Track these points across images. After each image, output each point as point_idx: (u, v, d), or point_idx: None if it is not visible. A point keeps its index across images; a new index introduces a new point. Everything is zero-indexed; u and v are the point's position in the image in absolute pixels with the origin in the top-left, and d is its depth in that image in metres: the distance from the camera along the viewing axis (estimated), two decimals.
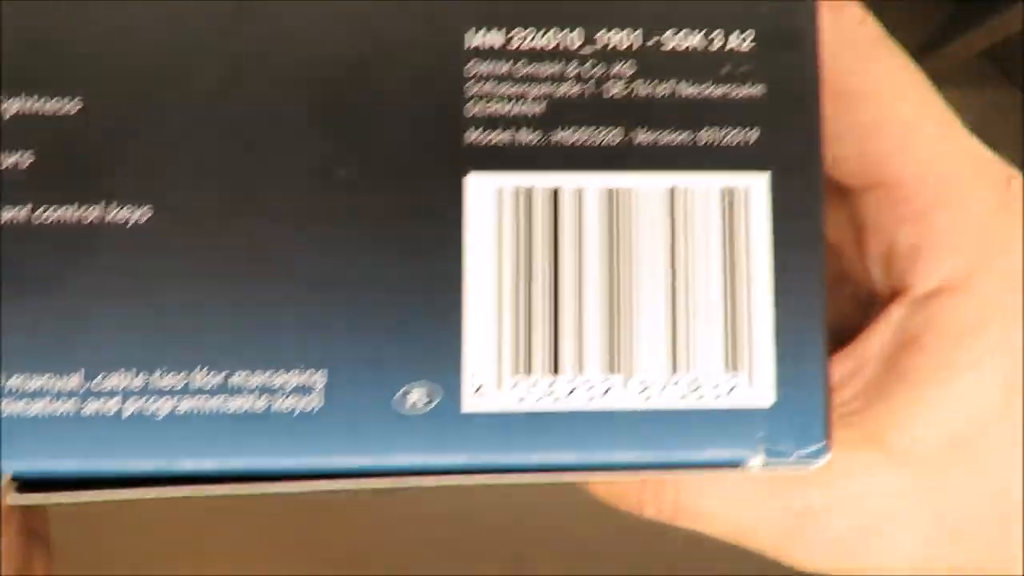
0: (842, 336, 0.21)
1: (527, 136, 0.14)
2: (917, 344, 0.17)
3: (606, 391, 0.14)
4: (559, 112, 0.14)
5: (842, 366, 0.18)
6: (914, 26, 0.58)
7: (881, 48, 0.17)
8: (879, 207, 0.17)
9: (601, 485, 0.17)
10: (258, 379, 0.14)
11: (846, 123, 0.17)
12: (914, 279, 0.17)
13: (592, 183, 0.14)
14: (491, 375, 0.14)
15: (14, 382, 0.14)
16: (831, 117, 0.17)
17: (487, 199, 0.14)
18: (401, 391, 0.14)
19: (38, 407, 0.14)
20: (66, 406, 0.14)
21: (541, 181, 0.14)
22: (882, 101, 0.17)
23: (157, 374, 0.14)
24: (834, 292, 0.21)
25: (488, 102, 0.14)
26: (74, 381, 0.14)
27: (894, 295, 0.18)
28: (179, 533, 0.48)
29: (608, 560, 0.49)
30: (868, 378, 0.17)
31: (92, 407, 0.14)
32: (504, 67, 0.14)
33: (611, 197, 0.14)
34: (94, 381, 0.14)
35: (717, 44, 0.15)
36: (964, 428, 0.17)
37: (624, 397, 0.14)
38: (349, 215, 0.14)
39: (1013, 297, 0.17)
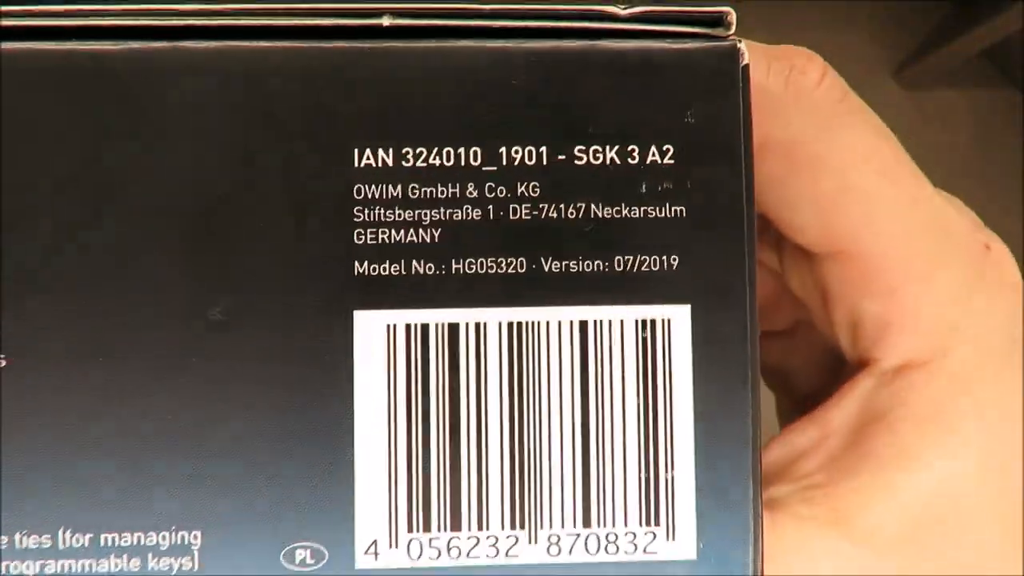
0: (807, 386, 0.20)
1: (422, 267, 0.13)
2: (884, 422, 0.16)
3: (511, 547, 0.13)
4: (457, 239, 0.13)
5: (805, 434, 0.17)
6: (914, 26, 0.56)
7: (842, 110, 0.16)
8: (843, 277, 0.17)
9: None
10: (128, 540, 0.13)
11: (805, 193, 0.16)
12: (881, 353, 0.16)
13: (494, 318, 0.13)
14: (384, 532, 0.13)
15: None
16: (789, 183, 0.16)
17: (378, 338, 0.13)
18: (286, 550, 0.13)
19: None
20: None
21: (438, 317, 0.13)
22: (842, 170, 0.16)
23: (17, 536, 0.13)
24: (800, 340, 0.20)
25: (378, 229, 0.13)
26: None
27: (861, 364, 0.17)
28: None
29: None
30: (832, 451, 0.16)
31: None
32: (395, 189, 0.13)
33: (516, 332, 0.13)
34: None
35: (634, 159, 0.13)
36: (933, 512, 0.16)
37: (531, 552, 0.13)
38: (223, 360, 0.13)
39: (988, 374, 0.16)
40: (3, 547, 0.13)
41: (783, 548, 0.15)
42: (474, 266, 0.13)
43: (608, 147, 0.13)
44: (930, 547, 0.16)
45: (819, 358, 0.20)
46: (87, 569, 0.13)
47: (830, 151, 0.16)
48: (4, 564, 0.13)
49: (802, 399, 0.20)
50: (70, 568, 0.13)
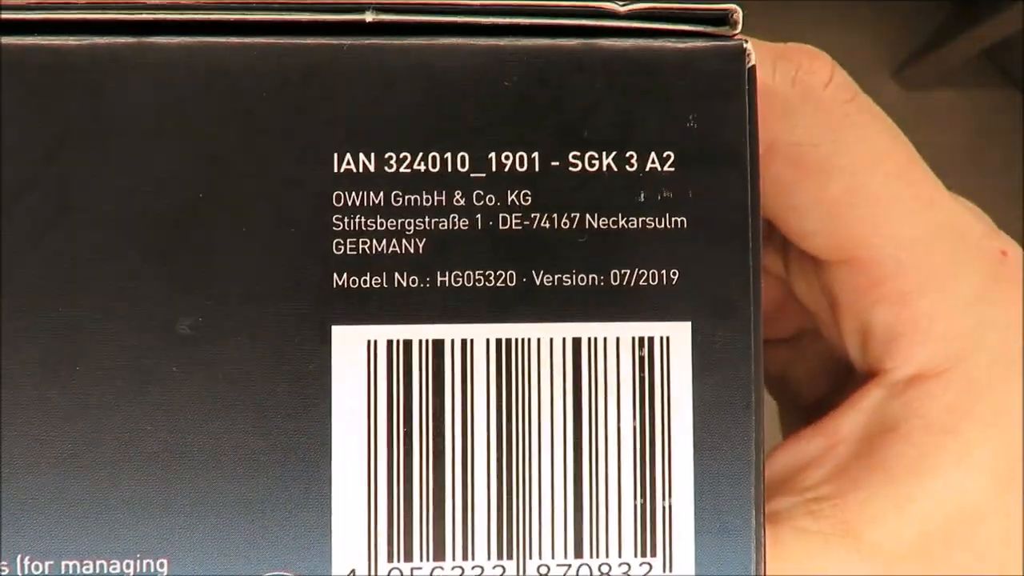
0: (811, 396, 0.20)
1: (405, 280, 0.12)
2: (895, 432, 0.16)
3: (501, 574, 0.12)
4: (443, 251, 0.12)
5: (811, 444, 0.16)
6: (914, 26, 0.56)
7: (851, 111, 0.15)
8: (853, 284, 0.16)
9: None
10: (90, 567, 0.12)
11: (813, 197, 0.15)
12: (893, 362, 0.16)
13: (482, 334, 0.12)
14: (363, 561, 0.12)
15: None
16: (796, 188, 0.15)
17: (358, 355, 0.12)
18: None
19: None
20: None
21: (422, 333, 0.12)
22: (853, 173, 0.15)
23: None
24: (805, 348, 0.19)
25: (359, 239, 0.12)
26: None
27: (871, 374, 0.16)
28: None
29: None
30: (840, 461, 0.16)
31: None
32: (377, 196, 0.12)
33: (505, 349, 0.12)
34: None
35: (632, 166, 0.12)
36: (943, 525, 0.15)
37: None
38: (192, 377, 0.12)
39: (1001, 383, 0.16)
40: None
41: (786, 562, 0.15)
42: (460, 279, 0.12)
43: (605, 153, 0.12)
44: (939, 561, 0.15)
45: (824, 367, 0.19)
46: None
47: (839, 153, 0.15)
48: None
49: (805, 408, 0.20)
50: None
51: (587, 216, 0.12)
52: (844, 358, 0.17)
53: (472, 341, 0.12)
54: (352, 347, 0.12)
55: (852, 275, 0.16)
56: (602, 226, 0.12)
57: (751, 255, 0.12)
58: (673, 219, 0.12)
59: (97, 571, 0.12)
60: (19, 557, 0.12)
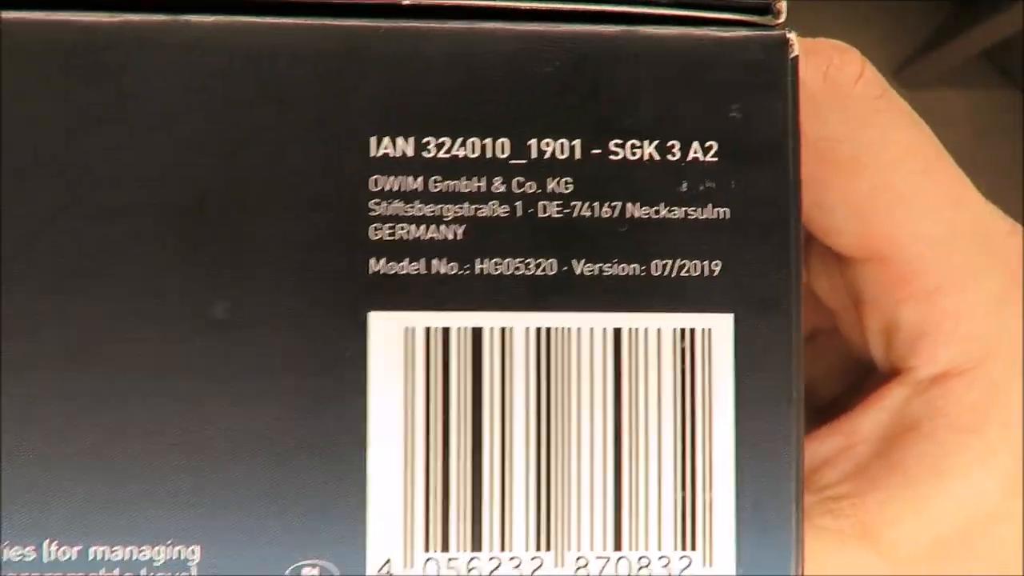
0: (827, 395, 0.20)
1: (443, 266, 0.12)
2: (918, 431, 0.15)
3: (535, 570, 0.12)
4: (482, 237, 0.12)
5: (830, 442, 0.16)
6: (914, 26, 0.56)
7: (880, 107, 0.15)
8: (879, 282, 0.16)
9: None
10: (119, 554, 0.12)
11: (841, 194, 0.15)
12: (917, 361, 0.16)
13: (521, 323, 0.12)
14: (399, 551, 0.12)
15: None
16: (824, 184, 0.15)
17: (394, 342, 0.12)
18: (291, 569, 0.12)
19: None
20: None
21: (460, 320, 0.12)
22: (881, 170, 0.15)
23: (2, 547, 0.12)
24: (822, 347, 0.19)
25: (396, 225, 0.12)
26: None
27: (893, 373, 0.16)
28: None
29: None
30: (859, 460, 0.16)
31: None
32: (415, 182, 0.12)
33: (544, 338, 0.12)
34: None
35: (674, 156, 0.12)
36: (961, 527, 0.15)
37: (559, 574, 0.12)
38: (225, 362, 0.12)
39: (1016, 387, 0.15)
40: None
41: (814, 565, 0.14)
42: (500, 267, 0.12)
43: (647, 142, 0.12)
44: (955, 563, 0.15)
45: (840, 366, 0.19)
46: None
47: (867, 150, 0.15)
48: None
49: (819, 408, 0.19)
50: None
51: (628, 205, 0.12)
52: (862, 357, 0.17)
53: (511, 330, 0.12)
54: (389, 334, 0.12)
55: (878, 272, 0.16)
56: (643, 216, 0.12)
57: (793, 249, 0.12)
58: (716, 210, 0.12)
59: (127, 557, 0.12)
60: (46, 542, 0.12)
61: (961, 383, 0.15)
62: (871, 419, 0.16)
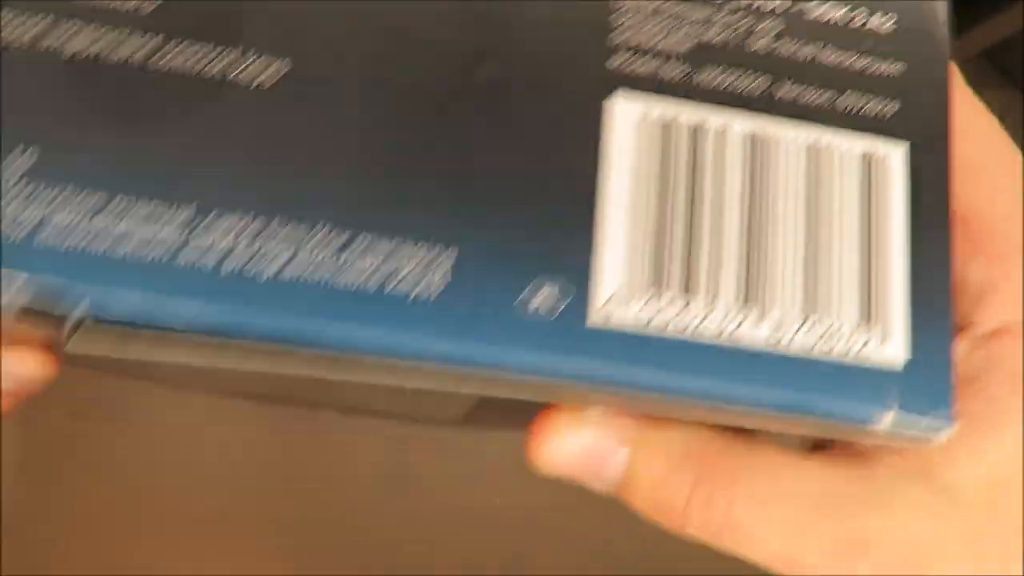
0: None
1: (673, 70, 0.14)
2: (975, 383, 0.16)
3: (738, 325, 0.14)
4: (705, 53, 0.14)
5: None
6: None
7: (962, 93, 0.17)
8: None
9: (642, 499, 0.17)
10: (383, 248, 0.13)
11: None
12: (979, 316, 0.17)
13: (736, 124, 0.14)
14: (623, 286, 0.14)
15: (121, 205, 0.12)
16: None
17: (629, 122, 0.14)
18: (529, 287, 0.13)
19: (143, 234, 0.12)
20: (173, 237, 0.12)
21: (684, 114, 0.14)
22: (965, 145, 0.17)
23: (275, 223, 0.13)
24: None
25: (635, 33, 0.14)
26: (185, 214, 0.13)
27: (958, 328, 0.17)
28: (180, 536, 0.46)
29: (608, 560, 0.49)
30: None
31: (199, 245, 0.13)
32: (652, 4, 0.14)
33: (753, 142, 0.14)
34: (207, 218, 0.13)
35: (859, 21, 0.15)
36: (1011, 473, 0.16)
37: (755, 335, 0.14)
38: (488, 112, 0.14)
39: None
40: (257, 230, 0.13)
41: (869, 487, 0.16)
42: (718, 79, 0.14)
43: (838, 6, 0.15)
44: (1001, 511, 0.16)
45: None
46: (328, 277, 0.13)
47: (958, 126, 0.17)
48: (251, 252, 0.13)
49: None
50: (317, 263, 0.13)
51: (822, 51, 0.15)
52: None
53: (726, 128, 0.14)
54: (625, 115, 0.14)
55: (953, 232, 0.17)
56: (834, 61, 0.15)
57: (947, 105, 0.15)
58: (893, 64, 0.15)
59: (390, 251, 0.13)
60: (320, 225, 0.13)
61: (1016, 339, 0.16)
62: None
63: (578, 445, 0.16)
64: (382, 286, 0.13)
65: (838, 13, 0.15)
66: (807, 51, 0.15)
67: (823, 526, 0.16)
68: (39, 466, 0.46)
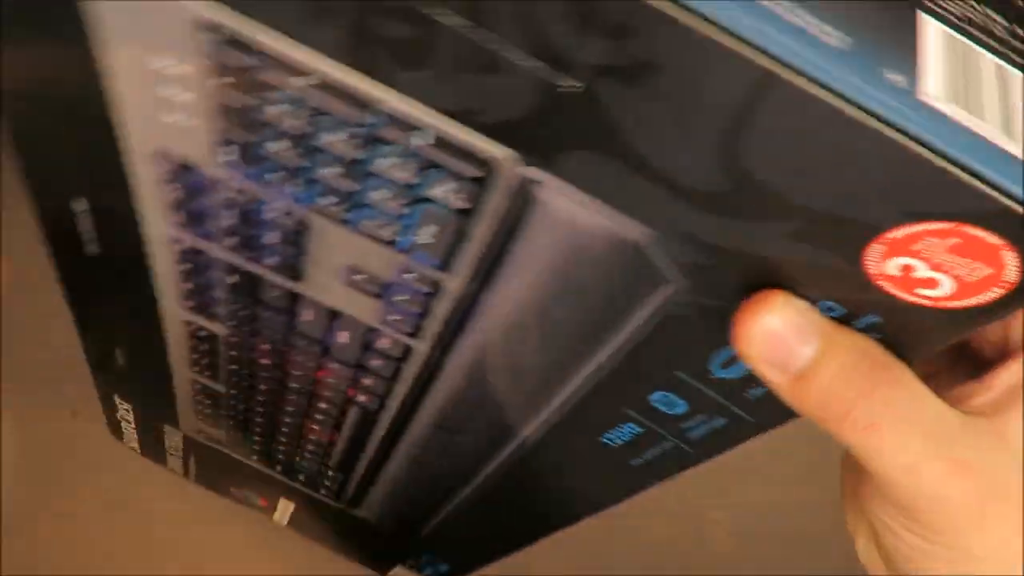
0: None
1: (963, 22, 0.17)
2: None
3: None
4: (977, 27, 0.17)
5: (978, 385, 0.21)
6: None
7: None
8: None
9: (815, 394, 0.19)
10: None
11: None
12: None
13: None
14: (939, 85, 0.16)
15: None
16: None
17: (933, 31, 0.17)
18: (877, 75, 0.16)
19: None
20: None
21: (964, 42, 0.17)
22: None
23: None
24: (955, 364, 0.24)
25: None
26: None
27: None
28: (180, 536, 0.46)
29: (608, 560, 0.49)
30: (995, 396, 0.21)
31: None
32: None
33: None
34: None
35: None
36: None
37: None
38: None
39: None
40: None
41: (980, 432, 0.19)
42: (988, 44, 0.18)
43: None
44: None
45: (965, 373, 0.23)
46: None
47: None
48: None
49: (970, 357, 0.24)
50: None
51: None
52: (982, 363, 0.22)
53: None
54: (931, 27, 0.17)
55: None
56: None
57: None
58: None
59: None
60: None
61: None
62: (1006, 375, 0.21)
63: (777, 325, 0.19)
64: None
65: None
66: None
67: (941, 448, 0.19)
68: (39, 466, 0.46)
